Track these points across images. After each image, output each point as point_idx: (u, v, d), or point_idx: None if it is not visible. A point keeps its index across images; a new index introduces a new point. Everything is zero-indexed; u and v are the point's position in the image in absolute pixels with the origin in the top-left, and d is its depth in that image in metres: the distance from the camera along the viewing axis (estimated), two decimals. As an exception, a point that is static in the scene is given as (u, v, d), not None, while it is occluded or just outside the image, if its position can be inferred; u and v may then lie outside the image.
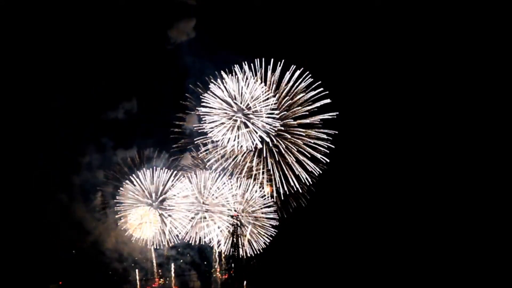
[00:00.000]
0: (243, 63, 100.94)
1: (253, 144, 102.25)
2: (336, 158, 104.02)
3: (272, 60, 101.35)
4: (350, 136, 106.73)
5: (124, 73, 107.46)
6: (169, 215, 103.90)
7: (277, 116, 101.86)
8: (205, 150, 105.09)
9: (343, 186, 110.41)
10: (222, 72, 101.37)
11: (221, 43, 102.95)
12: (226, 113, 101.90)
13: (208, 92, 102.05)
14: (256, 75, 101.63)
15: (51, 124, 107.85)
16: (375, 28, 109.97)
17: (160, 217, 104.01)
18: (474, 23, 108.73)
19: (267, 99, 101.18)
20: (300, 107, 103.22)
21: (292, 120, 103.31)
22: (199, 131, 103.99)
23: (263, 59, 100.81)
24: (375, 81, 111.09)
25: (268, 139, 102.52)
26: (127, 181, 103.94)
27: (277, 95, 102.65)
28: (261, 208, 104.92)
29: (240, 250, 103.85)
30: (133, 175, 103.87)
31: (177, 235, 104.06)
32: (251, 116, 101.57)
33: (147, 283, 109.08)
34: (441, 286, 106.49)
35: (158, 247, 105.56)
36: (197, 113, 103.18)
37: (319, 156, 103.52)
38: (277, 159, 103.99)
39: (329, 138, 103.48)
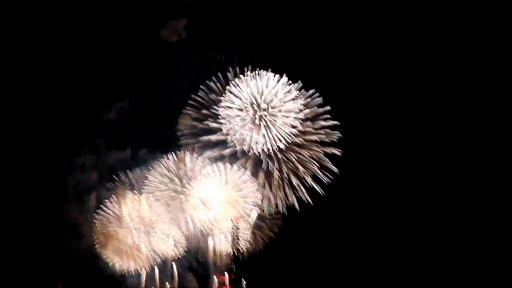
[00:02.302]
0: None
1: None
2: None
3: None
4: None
5: (117, 74, 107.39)
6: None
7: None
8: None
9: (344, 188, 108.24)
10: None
11: (214, 43, 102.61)
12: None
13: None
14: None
15: (51, 124, 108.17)
16: (375, 28, 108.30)
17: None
18: (475, 23, 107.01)
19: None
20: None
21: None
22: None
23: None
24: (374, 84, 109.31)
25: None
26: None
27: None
28: None
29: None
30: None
31: None
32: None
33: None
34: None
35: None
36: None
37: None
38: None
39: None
